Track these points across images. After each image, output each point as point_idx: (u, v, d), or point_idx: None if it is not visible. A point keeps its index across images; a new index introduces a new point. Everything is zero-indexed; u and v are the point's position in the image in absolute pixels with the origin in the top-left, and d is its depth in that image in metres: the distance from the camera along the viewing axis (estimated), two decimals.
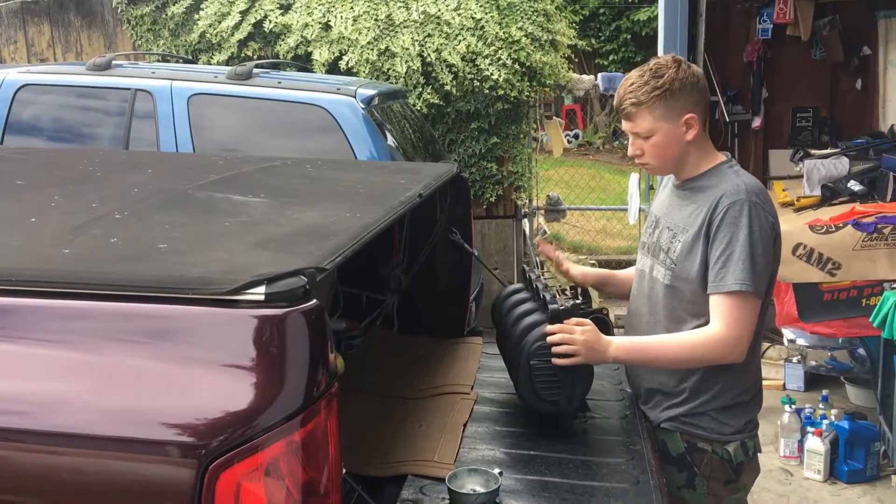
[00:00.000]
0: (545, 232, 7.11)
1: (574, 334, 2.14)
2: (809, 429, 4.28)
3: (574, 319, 2.18)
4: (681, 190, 2.28)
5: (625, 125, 2.25)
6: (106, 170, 2.12)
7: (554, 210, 6.43)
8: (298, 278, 1.27)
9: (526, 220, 6.52)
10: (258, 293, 1.23)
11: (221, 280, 1.24)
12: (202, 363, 1.23)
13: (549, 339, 2.16)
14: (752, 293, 2.10)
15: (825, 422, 4.28)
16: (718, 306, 2.12)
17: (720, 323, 2.11)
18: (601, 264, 6.19)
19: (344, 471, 1.37)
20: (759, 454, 2.31)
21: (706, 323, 2.15)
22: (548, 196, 6.86)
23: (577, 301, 2.29)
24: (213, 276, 1.26)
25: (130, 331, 1.25)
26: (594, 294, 3.55)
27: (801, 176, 4.91)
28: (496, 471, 1.93)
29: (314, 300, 1.29)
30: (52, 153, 3.02)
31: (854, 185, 4.67)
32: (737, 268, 2.09)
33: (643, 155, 2.23)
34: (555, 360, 2.15)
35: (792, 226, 4.25)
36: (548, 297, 2.27)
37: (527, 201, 6.42)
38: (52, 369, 1.24)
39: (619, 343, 2.18)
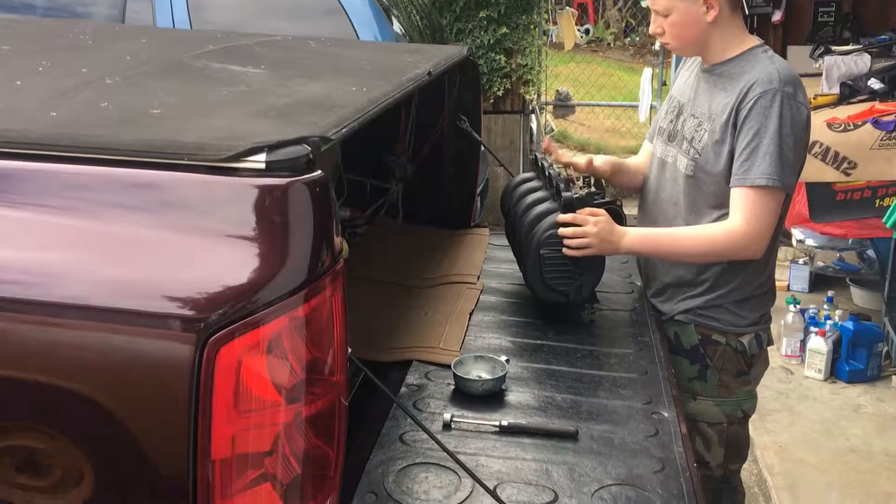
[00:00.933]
0: (552, 129, 6.96)
1: (587, 224, 2.07)
2: (813, 329, 4.27)
3: (587, 209, 2.11)
4: (709, 75, 2.16)
5: (646, 0, 2.13)
6: (97, 39, 2.00)
7: (563, 106, 6.26)
8: (302, 146, 1.18)
9: (534, 115, 6.37)
10: (258, 161, 1.15)
11: (219, 146, 1.16)
12: (200, 234, 1.15)
13: (560, 229, 2.09)
14: (779, 188, 2.01)
15: (829, 322, 4.27)
16: (741, 200, 2.03)
17: (742, 218, 2.03)
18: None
19: (349, 351, 1.32)
20: (769, 346, 2.29)
21: (727, 216, 2.08)
22: (557, 91, 6.68)
23: (592, 190, 2.20)
24: (211, 142, 1.18)
25: (122, 198, 1.17)
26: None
27: (820, 73, 4.74)
28: (503, 358, 1.90)
29: (318, 171, 1.21)
30: (41, 22, 2.88)
31: (874, 83, 4.50)
32: (763, 161, 1.99)
33: (664, 34, 2.13)
34: (566, 251, 2.09)
35: None
36: (561, 185, 2.19)
37: (535, 96, 6.26)
38: (38, 237, 1.17)
39: (633, 234, 2.12)
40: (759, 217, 2.03)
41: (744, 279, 2.17)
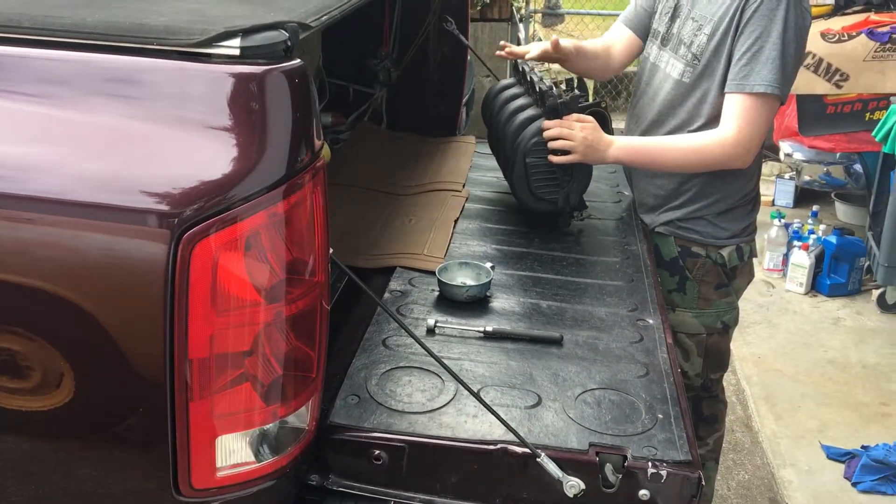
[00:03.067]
0: (541, 39, 6.79)
1: (573, 130, 2.01)
2: (796, 243, 4.28)
3: (574, 115, 2.04)
4: None
5: None
6: None
7: (552, 14, 6.09)
8: (279, 32, 1.11)
9: (522, 24, 6.20)
10: (233, 46, 1.08)
11: (190, 30, 1.08)
12: (172, 124, 1.09)
13: (545, 134, 2.03)
14: (778, 96, 1.95)
15: (812, 236, 4.28)
16: (736, 107, 1.97)
17: (734, 125, 1.97)
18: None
19: (331, 251, 1.28)
20: (753, 259, 2.27)
21: (696, 116, 2.03)
22: None
23: (576, 93, 2.13)
24: (181, 25, 1.10)
25: (88, 86, 1.10)
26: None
27: None
28: (488, 265, 1.87)
29: (297, 60, 1.14)
30: None
31: None
32: (764, 67, 1.92)
33: None
34: (551, 157, 2.04)
35: None
36: (544, 88, 2.11)
37: (524, 4, 6.07)
38: (4, 127, 1.11)
39: (620, 143, 2.06)
40: (753, 125, 1.97)
41: (727, 191, 2.13)
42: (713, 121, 2.04)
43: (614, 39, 2.35)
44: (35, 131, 1.11)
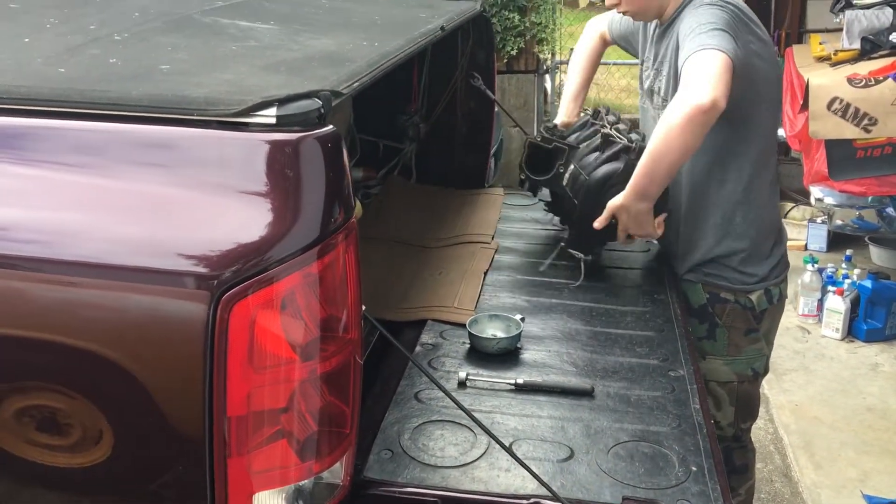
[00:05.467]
0: None
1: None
2: (830, 288, 4.24)
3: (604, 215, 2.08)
4: (661, 29, 2.20)
5: None
6: None
7: None
8: (313, 101, 1.16)
9: (548, 75, 6.28)
10: (269, 115, 1.13)
11: (229, 101, 1.14)
12: (211, 190, 1.14)
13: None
14: (719, 50, 1.87)
15: (847, 281, 4.23)
16: (684, 71, 1.90)
17: (684, 83, 1.88)
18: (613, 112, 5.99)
19: (364, 308, 1.31)
20: (784, 300, 2.27)
21: (704, 152, 2.05)
22: (571, 50, 6.57)
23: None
24: (220, 96, 1.16)
25: (133, 155, 1.16)
26: None
27: (841, 28, 4.64)
28: (518, 317, 1.89)
29: (330, 126, 1.19)
30: None
31: None
32: (700, 38, 1.92)
33: (620, 3, 2.15)
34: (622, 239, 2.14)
35: (829, 79, 4.04)
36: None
37: (549, 55, 6.16)
38: (52, 195, 1.16)
39: (629, 185, 2.04)
40: (700, 73, 1.86)
41: (749, 236, 2.16)
42: (708, 151, 2.08)
43: (597, 51, 2.57)
44: (82, 199, 1.16)
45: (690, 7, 2.07)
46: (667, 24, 2.17)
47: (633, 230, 2.08)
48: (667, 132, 1.89)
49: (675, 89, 2.03)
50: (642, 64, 2.35)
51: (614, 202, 2.04)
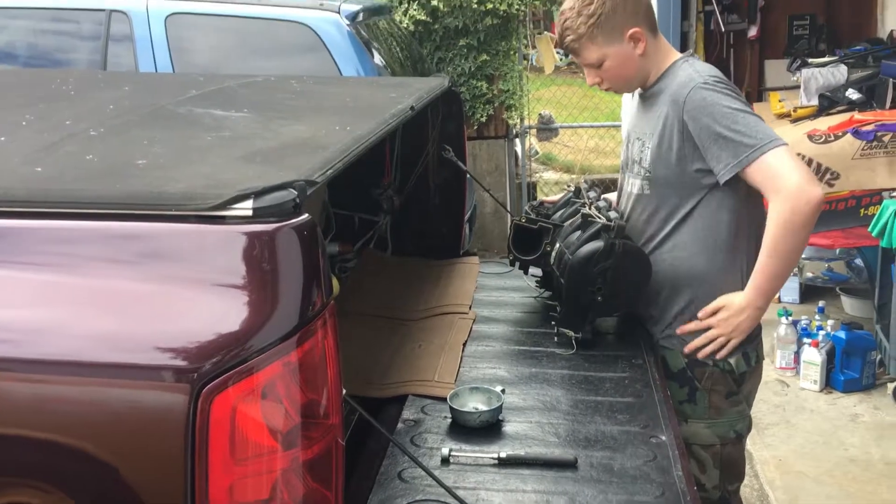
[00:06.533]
0: (537, 152, 7.00)
1: (721, 327, 2.12)
2: (806, 340, 4.28)
3: (710, 309, 2.12)
4: (643, 99, 2.25)
5: (575, 58, 2.22)
6: (80, 88, 2.01)
7: (546, 129, 6.30)
8: (288, 191, 1.19)
9: (518, 139, 6.41)
10: (245, 208, 1.16)
11: (205, 195, 1.16)
12: (190, 284, 1.16)
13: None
14: (778, 144, 1.97)
15: (822, 332, 4.28)
16: (759, 173, 1.97)
17: (772, 186, 1.96)
18: (595, 184, 6.11)
19: (344, 392, 1.32)
20: (762, 361, 2.29)
21: (689, 212, 2.11)
22: (539, 114, 6.72)
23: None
24: (197, 191, 1.18)
25: (111, 252, 1.17)
26: None
27: (798, 86, 4.79)
28: (498, 388, 1.90)
29: (305, 214, 1.21)
30: (22, 73, 2.89)
31: (852, 94, 4.55)
32: (745, 134, 1.98)
33: (602, 82, 2.20)
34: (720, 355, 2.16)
35: (789, 137, 4.12)
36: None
37: (518, 121, 6.30)
38: (29, 294, 1.17)
39: (748, 288, 2.08)
40: (786, 166, 1.96)
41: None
42: (682, 209, 2.13)
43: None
44: (59, 297, 1.17)
45: (678, 84, 2.08)
46: (649, 93, 2.21)
47: (724, 329, 2.11)
48: (791, 233, 1.98)
49: (663, 158, 2.11)
50: (628, 135, 2.35)
51: (730, 300, 2.09)
